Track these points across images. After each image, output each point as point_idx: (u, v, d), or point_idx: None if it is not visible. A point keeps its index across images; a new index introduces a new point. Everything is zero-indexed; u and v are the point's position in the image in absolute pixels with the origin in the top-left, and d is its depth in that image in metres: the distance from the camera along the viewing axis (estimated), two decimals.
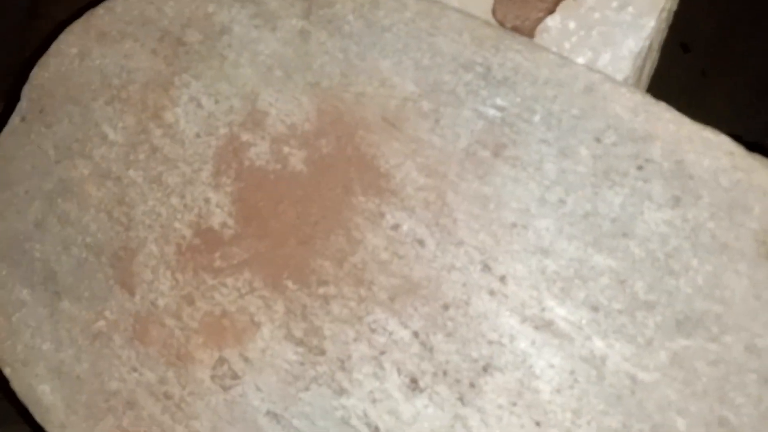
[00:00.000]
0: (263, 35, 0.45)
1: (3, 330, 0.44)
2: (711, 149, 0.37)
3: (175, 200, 0.43)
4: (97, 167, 0.45)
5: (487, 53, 0.41)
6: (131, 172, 0.44)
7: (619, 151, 0.38)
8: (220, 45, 0.46)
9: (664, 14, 0.45)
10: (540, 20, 0.45)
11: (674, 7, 0.45)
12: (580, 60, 0.43)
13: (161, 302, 0.43)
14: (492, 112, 0.40)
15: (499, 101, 0.40)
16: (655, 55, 0.47)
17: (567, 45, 0.44)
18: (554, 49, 0.44)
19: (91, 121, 0.46)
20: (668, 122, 0.37)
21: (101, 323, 0.43)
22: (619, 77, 0.43)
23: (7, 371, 0.44)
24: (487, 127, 0.40)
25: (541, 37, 0.45)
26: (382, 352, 0.39)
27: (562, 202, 0.38)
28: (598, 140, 0.38)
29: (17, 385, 0.44)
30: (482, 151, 0.40)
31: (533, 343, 0.37)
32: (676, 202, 0.37)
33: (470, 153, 0.40)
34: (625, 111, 0.38)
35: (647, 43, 0.43)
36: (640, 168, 0.37)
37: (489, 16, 0.45)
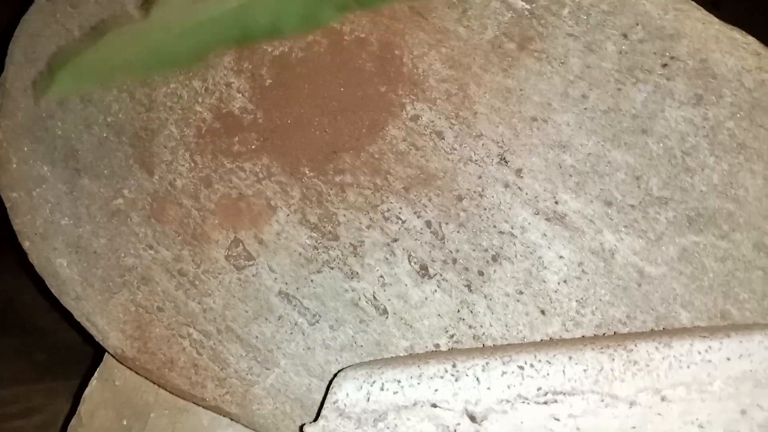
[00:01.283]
0: None
1: (23, 204, 0.46)
2: (737, 49, 0.37)
3: (197, 83, 0.45)
4: None
5: None
6: None
7: (646, 48, 0.38)
8: None
9: None
10: None
11: None
12: None
13: (179, 183, 0.44)
14: (521, 4, 0.40)
15: None
16: None
17: None
18: None
19: (117, 2, 0.47)
20: (696, 21, 0.38)
21: (119, 201, 0.45)
22: None
23: (26, 245, 0.47)
24: (514, 19, 0.40)
25: None
26: (395, 240, 0.41)
27: (584, 97, 0.39)
28: (625, 36, 0.39)
29: (35, 258, 0.46)
30: (508, 44, 0.40)
31: (544, 234, 0.39)
32: (698, 100, 0.38)
33: (496, 45, 0.41)
34: (654, 8, 0.39)
35: None
36: (665, 65, 0.38)
37: None
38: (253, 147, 0.43)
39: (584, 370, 0.31)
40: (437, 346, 0.39)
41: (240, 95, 0.44)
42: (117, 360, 0.45)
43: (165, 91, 0.45)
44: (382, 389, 0.34)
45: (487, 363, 0.33)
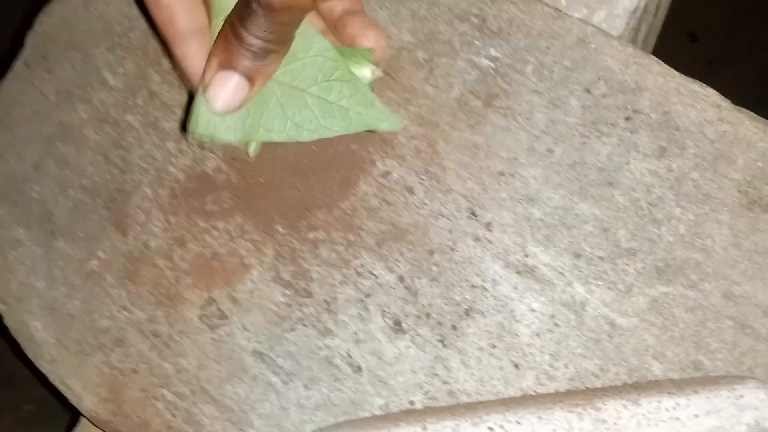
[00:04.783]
0: None
1: None
2: (698, 101, 0.39)
3: (170, 145, 0.46)
4: (96, 112, 0.48)
5: (482, 4, 0.43)
6: (129, 117, 0.47)
7: (609, 102, 0.40)
8: None
9: None
10: None
11: None
12: (576, 15, 0.46)
13: (153, 243, 0.45)
14: (485, 62, 0.42)
15: (492, 52, 0.42)
16: (651, 19, 0.49)
17: (563, 1, 0.47)
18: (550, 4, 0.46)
19: (92, 67, 0.49)
20: (657, 75, 0.40)
21: (94, 263, 0.46)
22: (614, 33, 0.45)
23: (1, 308, 0.47)
24: (480, 78, 0.42)
25: None
26: (368, 295, 0.42)
27: (550, 151, 0.41)
28: (588, 91, 0.41)
29: (11, 321, 0.47)
30: (474, 101, 0.42)
31: (515, 288, 0.40)
32: (662, 152, 0.39)
33: (462, 102, 0.42)
34: (616, 63, 0.40)
35: (643, 2, 0.46)
36: (628, 119, 0.40)
37: None
38: (226, 206, 0.45)
39: (553, 431, 0.32)
40: (412, 402, 0.40)
41: (213, 155, 0.45)
42: (92, 423, 0.46)
43: (139, 153, 0.47)
44: None
45: (457, 425, 0.33)
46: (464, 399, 0.39)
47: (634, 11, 0.45)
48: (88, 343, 0.45)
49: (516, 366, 0.39)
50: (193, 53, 0.36)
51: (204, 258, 0.44)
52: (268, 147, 0.44)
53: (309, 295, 0.43)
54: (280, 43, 0.34)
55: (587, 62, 0.41)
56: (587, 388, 0.37)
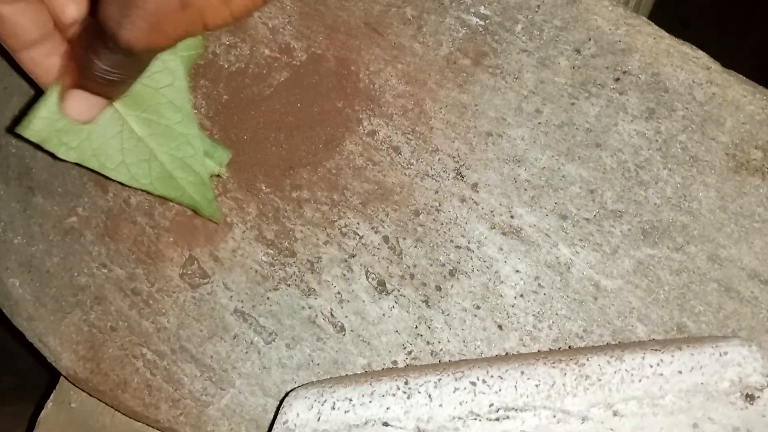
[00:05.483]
0: None
1: None
2: (688, 63, 0.38)
3: None
4: None
5: None
6: None
7: (598, 63, 0.39)
8: None
9: None
10: None
11: None
12: None
13: (133, 200, 0.44)
14: (475, 20, 0.41)
15: (482, 9, 0.41)
16: None
17: None
18: None
19: None
20: (647, 35, 0.39)
21: (73, 219, 0.45)
22: None
23: None
24: (469, 36, 0.41)
25: None
26: (352, 255, 0.41)
27: (538, 111, 0.40)
28: (578, 51, 0.40)
29: None
30: (463, 60, 0.41)
31: (500, 249, 0.39)
32: (651, 114, 0.38)
33: (451, 61, 0.41)
34: (606, 23, 0.40)
35: None
36: (617, 80, 0.39)
37: None
38: None
39: (536, 385, 0.32)
40: (395, 363, 0.39)
41: (196, 111, 0.44)
42: (70, 381, 0.45)
43: None
44: (333, 408, 0.34)
45: (439, 379, 0.33)
46: (447, 359, 0.39)
47: None
48: (67, 300, 0.44)
49: (500, 327, 0.38)
50: (41, 59, 0.36)
51: (185, 216, 0.43)
52: (253, 101, 0.43)
53: (292, 254, 0.42)
54: (134, 74, 0.35)
55: (577, 22, 0.40)
56: (570, 347, 0.37)
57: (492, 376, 0.32)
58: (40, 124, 0.36)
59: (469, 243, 0.40)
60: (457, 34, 0.42)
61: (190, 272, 0.43)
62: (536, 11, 0.41)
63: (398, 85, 0.42)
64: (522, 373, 0.32)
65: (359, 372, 0.40)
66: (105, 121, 0.37)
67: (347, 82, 0.43)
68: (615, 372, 0.31)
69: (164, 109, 0.38)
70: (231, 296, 0.42)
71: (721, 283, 0.37)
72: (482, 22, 0.41)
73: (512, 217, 0.39)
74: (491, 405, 0.32)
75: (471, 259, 0.39)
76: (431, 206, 0.41)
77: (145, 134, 0.38)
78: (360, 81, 0.43)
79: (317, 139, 0.43)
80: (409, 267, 0.40)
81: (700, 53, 0.39)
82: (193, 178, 0.39)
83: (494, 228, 0.39)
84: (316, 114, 0.43)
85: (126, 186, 0.41)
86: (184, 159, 0.39)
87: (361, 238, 0.41)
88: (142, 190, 0.40)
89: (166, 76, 0.37)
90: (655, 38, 0.39)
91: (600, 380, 0.31)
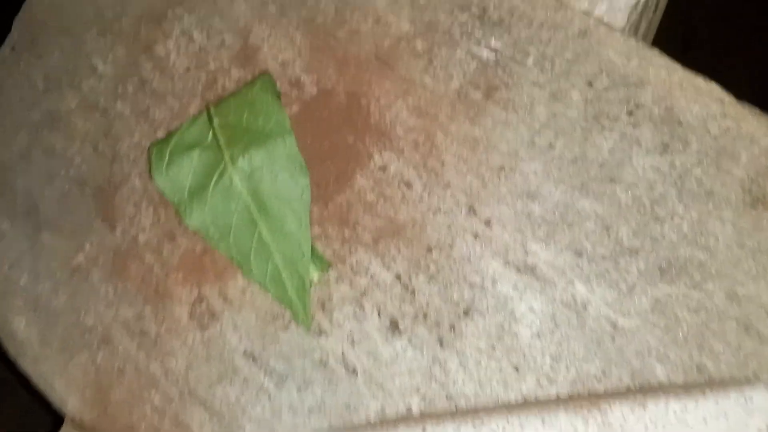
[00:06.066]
0: None
1: None
2: (701, 96, 0.38)
3: (161, 134, 0.44)
4: (84, 99, 0.46)
5: None
6: (119, 105, 0.46)
7: (611, 96, 0.39)
8: None
9: None
10: None
11: None
12: (577, 6, 0.44)
13: (142, 238, 0.44)
14: (486, 53, 0.41)
15: (493, 43, 0.41)
16: (651, 16, 0.48)
17: None
18: None
19: (81, 53, 0.47)
20: (660, 68, 0.39)
21: (81, 257, 0.44)
22: (615, 26, 0.44)
23: None
24: (480, 69, 0.41)
25: None
26: (363, 294, 0.40)
27: (551, 145, 0.39)
28: (590, 84, 0.39)
29: None
30: (474, 93, 0.41)
31: (515, 286, 0.38)
32: (665, 148, 0.38)
33: (462, 94, 0.41)
34: (618, 56, 0.39)
35: None
36: (630, 113, 0.38)
37: None
38: None
39: None
40: (409, 406, 0.38)
41: None
42: (76, 426, 0.44)
43: (129, 143, 0.45)
44: None
45: (458, 428, 0.32)
46: (462, 402, 0.38)
47: (636, 5, 0.44)
48: (73, 341, 0.44)
49: (516, 368, 0.37)
50: None
51: (194, 253, 0.43)
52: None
53: None
54: None
55: (589, 54, 0.40)
56: (590, 391, 0.36)
57: (512, 424, 0.31)
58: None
59: (483, 281, 0.39)
60: (468, 67, 0.41)
61: (199, 312, 0.42)
62: (547, 44, 0.40)
63: (409, 119, 0.41)
64: (543, 421, 0.31)
65: (372, 416, 0.39)
66: (240, 222, 0.41)
67: (358, 116, 0.42)
68: (638, 420, 0.30)
69: (289, 218, 0.40)
70: (240, 337, 0.41)
71: (740, 321, 0.36)
72: (493, 56, 0.41)
73: (527, 253, 0.39)
74: None
75: (485, 297, 0.39)
76: (444, 242, 0.40)
77: (270, 240, 0.40)
78: (370, 115, 0.42)
79: (328, 174, 0.42)
80: (422, 306, 0.39)
81: (713, 86, 0.38)
82: (297, 281, 0.40)
83: (508, 265, 0.39)
84: (327, 148, 0.42)
85: (138, 224, 0.41)
86: (294, 262, 0.40)
87: (372, 275, 0.40)
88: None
89: (296, 189, 0.41)
90: (667, 71, 0.39)
91: (623, 428, 0.30)
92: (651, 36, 0.58)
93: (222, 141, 0.41)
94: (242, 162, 0.41)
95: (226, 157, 0.41)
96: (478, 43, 0.41)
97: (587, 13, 0.43)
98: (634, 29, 0.47)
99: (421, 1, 0.42)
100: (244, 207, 0.41)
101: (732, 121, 0.38)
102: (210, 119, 0.42)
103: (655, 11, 0.51)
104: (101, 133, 0.45)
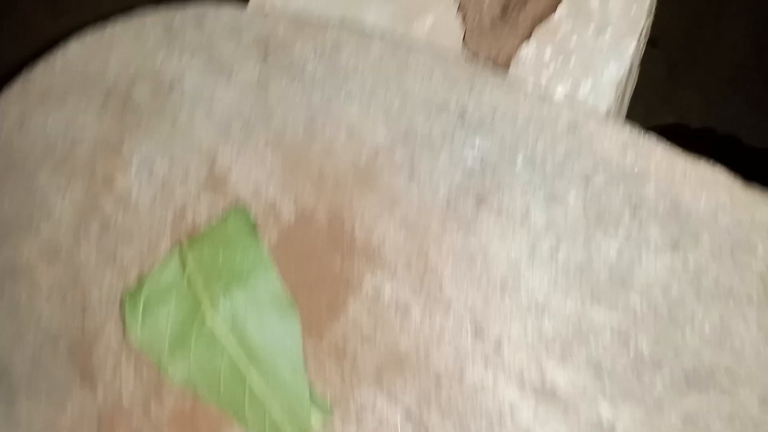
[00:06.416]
0: (218, 86, 0.43)
1: None
2: (707, 185, 0.35)
3: (133, 276, 0.41)
4: (45, 245, 0.43)
5: (460, 93, 0.39)
6: (83, 248, 0.42)
7: (611, 193, 0.36)
8: (171, 99, 0.43)
9: (644, 32, 0.43)
10: (515, 48, 0.43)
11: (650, 23, 0.44)
12: (560, 89, 0.42)
13: (126, 396, 0.40)
14: (471, 157, 0.38)
15: (478, 144, 0.38)
16: (635, 74, 0.46)
17: (545, 74, 0.43)
18: (532, 79, 0.42)
19: (35, 194, 0.43)
20: (660, 158, 0.36)
21: (64, 422, 0.41)
22: (603, 106, 0.42)
23: None
24: (467, 174, 0.38)
25: (518, 66, 0.43)
26: None
27: (554, 253, 0.36)
28: (586, 182, 0.37)
29: None
30: (464, 201, 0.38)
31: (536, 413, 0.36)
32: (675, 245, 0.35)
33: (451, 204, 0.38)
34: (613, 149, 0.37)
35: (628, 66, 0.42)
36: (634, 210, 0.36)
37: (461, 50, 0.44)
38: None
39: None
40: None
41: None
42: None
43: (99, 289, 0.42)
44: None
45: None
46: None
47: (621, 78, 0.42)
48: None
49: None
50: None
51: (184, 409, 0.39)
52: None
53: None
54: None
55: (582, 150, 0.37)
56: None
57: None
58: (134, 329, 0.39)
59: (501, 409, 0.36)
60: (453, 174, 0.38)
61: None
62: (536, 142, 0.38)
63: (398, 236, 0.38)
64: None
65: None
66: (228, 372, 0.38)
67: (342, 238, 0.39)
68: None
69: (282, 363, 0.37)
70: None
71: None
72: (479, 159, 0.38)
73: (543, 374, 0.36)
74: None
75: (505, 427, 0.36)
76: (453, 370, 0.37)
77: (264, 390, 0.37)
78: (356, 235, 0.39)
79: (319, 305, 0.39)
80: None
81: (719, 172, 0.36)
82: (298, 429, 0.37)
83: (525, 389, 0.36)
84: (314, 277, 0.39)
85: (120, 379, 0.38)
86: (293, 411, 0.37)
87: (380, 413, 0.37)
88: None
89: (285, 329, 0.38)
90: (667, 161, 0.36)
91: None
92: (630, 89, 0.56)
93: (199, 284, 0.38)
94: (223, 305, 0.38)
95: (206, 301, 0.38)
96: (462, 146, 0.38)
97: (571, 94, 0.40)
98: (621, 99, 0.44)
99: (395, 106, 0.39)
100: (231, 356, 0.37)
101: (744, 210, 0.35)
102: (183, 260, 0.39)
103: (637, 69, 0.49)
104: (69, 281, 0.42)
